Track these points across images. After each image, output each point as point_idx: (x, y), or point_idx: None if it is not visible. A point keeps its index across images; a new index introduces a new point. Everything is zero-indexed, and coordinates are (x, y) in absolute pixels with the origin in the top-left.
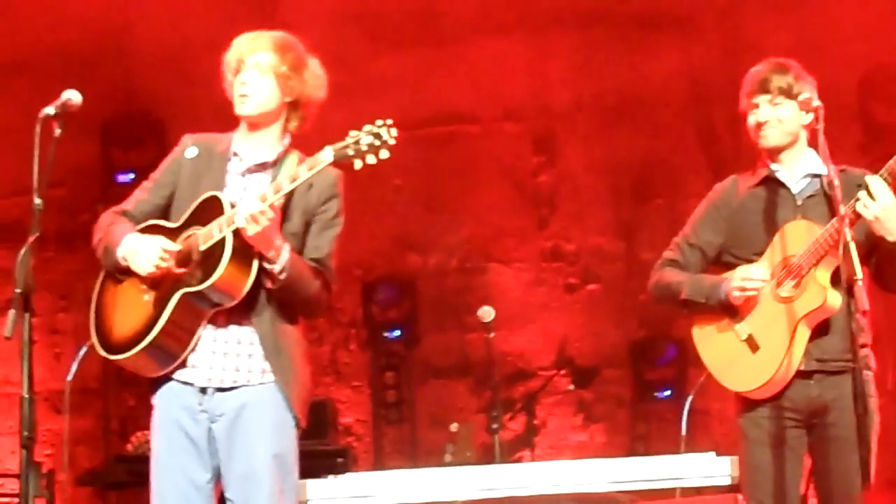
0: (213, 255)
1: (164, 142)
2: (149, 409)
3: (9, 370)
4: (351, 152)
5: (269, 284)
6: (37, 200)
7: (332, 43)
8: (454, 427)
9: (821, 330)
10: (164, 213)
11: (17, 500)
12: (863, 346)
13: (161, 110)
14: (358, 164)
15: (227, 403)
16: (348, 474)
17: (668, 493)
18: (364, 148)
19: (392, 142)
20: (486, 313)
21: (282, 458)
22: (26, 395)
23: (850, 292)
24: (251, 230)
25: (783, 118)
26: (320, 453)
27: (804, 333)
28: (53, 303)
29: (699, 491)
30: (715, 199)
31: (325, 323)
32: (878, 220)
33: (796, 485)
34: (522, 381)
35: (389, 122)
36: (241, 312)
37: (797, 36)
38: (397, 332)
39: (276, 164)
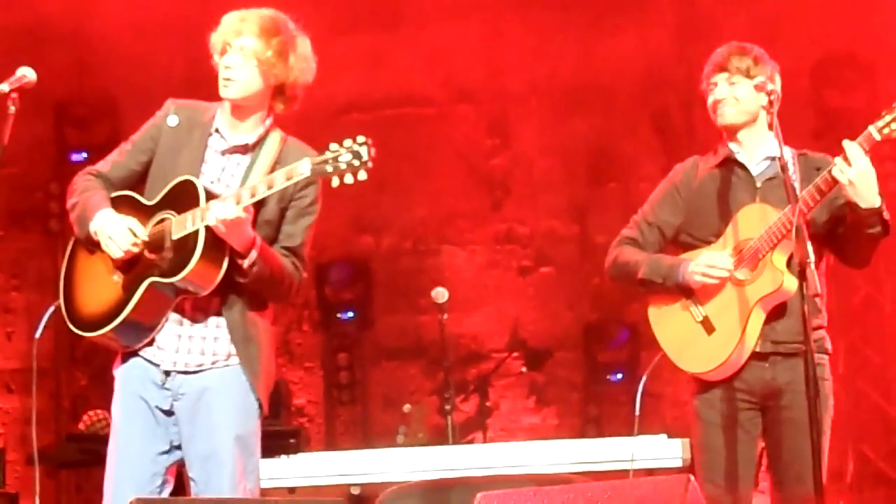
0: (185, 246)
1: (118, 121)
2: (100, 388)
3: None
4: (329, 169)
5: (239, 278)
6: None
7: None
8: (407, 408)
9: (777, 313)
10: (141, 178)
11: None
12: (817, 328)
13: (115, 90)
14: (335, 182)
15: (190, 384)
16: (300, 454)
17: (620, 474)
18: (343, 166)
19: (370, 164)
20: (440, 294)
21: (244, 440)
22: None
23: (802, 275)
24: (223, 229)
25: (740, 97)
26: (273, 433)
27: (759, 316)
28: (5, 281)
29: (650, 472)
30: (675, 179)
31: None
32: (852, 185)
33: (749, 466)
34: (475, 364)
35: (370, 140)
36: (211, 299)
37: (752, 21)
38: (350, 314)
39: (257, 145)
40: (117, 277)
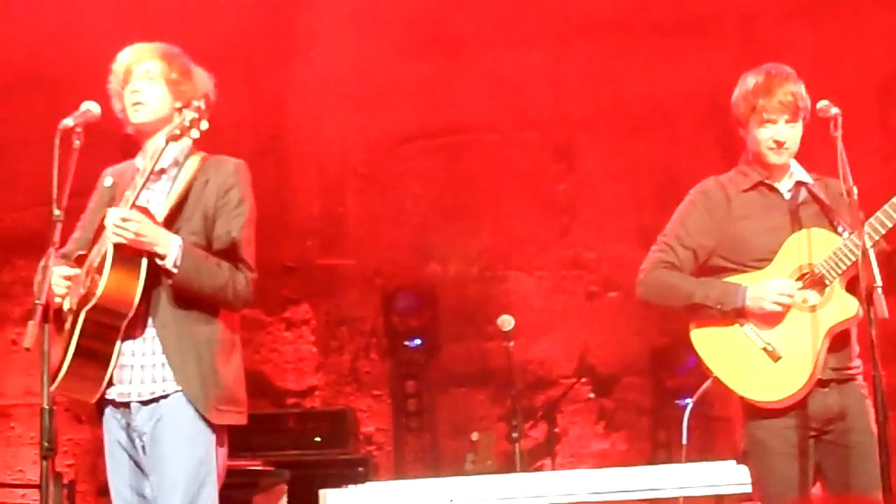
0: (102, 268)
1: None
2: None
3: (32, 381)
4: (178, 131)
5: (168, 281)
6: (56, 211)
7: (352, 53)
8: (475, 436)
9: (834, 339)
10: None
11: None
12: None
13: None
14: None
15: (146, 417)
16: (369, 483)
17: (690, 500)
18: (187, 124)
19: (206, 112)
20: (506, 322)
21: (192, 470)
22: (46, 406)
23: (869, 300)
24: (124, 235)
25: (797, 140)
26: (341, 462)
27: (827, 344)
28: None
29: (719, 499)
30: (705, 201)
31: (346, 332)
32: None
33: (808, 491)
34: (543, 390)
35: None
36: (148, 321)
37: (816, 43)
38: (418, 341)
39: (176, 169)
40: (68, 324)
